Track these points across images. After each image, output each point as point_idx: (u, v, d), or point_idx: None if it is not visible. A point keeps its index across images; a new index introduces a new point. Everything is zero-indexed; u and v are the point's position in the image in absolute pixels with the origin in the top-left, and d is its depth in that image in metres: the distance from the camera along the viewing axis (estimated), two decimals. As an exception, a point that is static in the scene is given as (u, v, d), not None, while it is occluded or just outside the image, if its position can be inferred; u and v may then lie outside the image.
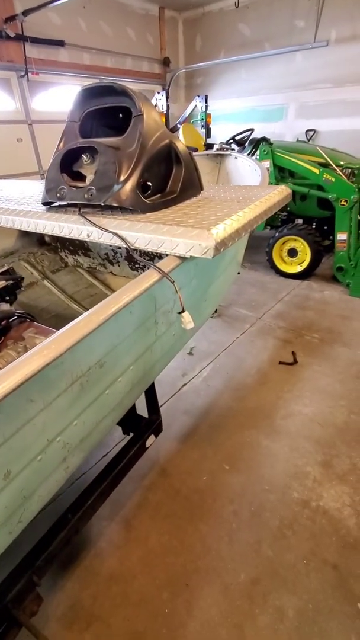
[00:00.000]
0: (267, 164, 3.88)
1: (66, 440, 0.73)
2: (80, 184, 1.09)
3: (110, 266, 2.24)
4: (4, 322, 1.05)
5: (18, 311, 1.13)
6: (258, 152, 4.06)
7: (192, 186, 1.17)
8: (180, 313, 0.82)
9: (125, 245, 0.94)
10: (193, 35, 6.51)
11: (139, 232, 0.90)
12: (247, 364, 2.79)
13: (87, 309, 2.16)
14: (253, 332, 3.19)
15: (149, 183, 1.05)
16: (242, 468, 1.95)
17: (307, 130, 5.70)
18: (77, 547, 1.59)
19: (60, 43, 4.85)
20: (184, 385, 2.58)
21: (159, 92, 5.32)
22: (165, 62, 6.52)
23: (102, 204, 1.02)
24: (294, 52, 5.21)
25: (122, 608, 1.42)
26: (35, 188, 1.84)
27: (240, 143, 4.48)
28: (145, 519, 1.72)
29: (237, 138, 4.50)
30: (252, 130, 4.51)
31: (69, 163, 1.12)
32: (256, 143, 4.12)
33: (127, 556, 1.58)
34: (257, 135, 4.41)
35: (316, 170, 3.71)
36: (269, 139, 4.06)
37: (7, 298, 1.12)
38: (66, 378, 0.65)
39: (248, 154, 4.23)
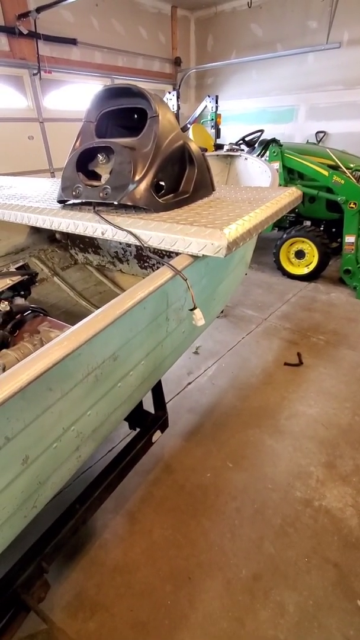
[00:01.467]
0: (276, 165, 3.89)
1: (80, 429, 0.75)
2: (95, 183, 1.12)
3: (119, 264, 2.27)
4: (18, 315, 1.08)
5: (32, 305, 1.16)
6: (267, 153, 4.06)
7: (204, 186, 1.19)
8: (192, 310, 0.84)
9: (138, 243, 0.96)
10: (205, 35, 6.52)
11: (153, 231, 0.92)
12: (252, 364, 2.81)
13: (96, 306, 2.19)
14: (259, 333, 3.20)
15: (163, 183, 1.07)
16: (245, 466, 1.97)
17: (317, 132, 5.68)
18: (83, 538, 1.62)
19: (72, 41, 4.89)
20: (190, 383, 2.61)
21: (169, 92, 5.34)
22: (177, 62, 6.54)
23: (117, 203, 1.04)
24: (306, 53, 5.20)
25: (125, 598, 1.45)
26: (47, 186, 1.87)
27: (250, 144, 4.48)
28: (149, 512, 1.75)
29: (246, 139, 4.51)
30: (262, 131, 4.52)
31: (84, 162, 1.15)
32: (266, 144, 4.13)
33: (131, 548, 1.61)
34: (266, 136, 4.41)
35: (325, 173, 3.71)
36: (279, 141, 4.07)
37: (22, 292, 1.15)
38: (82, 369, 0.68)
39: (257, 155, 4.24)
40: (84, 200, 1.11)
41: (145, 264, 2.11)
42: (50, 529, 1.05)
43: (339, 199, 3.65)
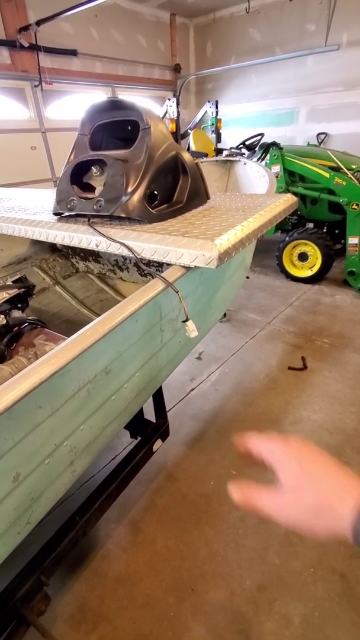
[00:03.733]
0: (277, 168, 3.88)
1: (73, 444, 0.75)
2: (89, 195, 1.12)
3: (119, 272, 2.28)
4: (15, 328, 1.09)
5: (29, 318, 1.17)
6: (268, 156, 4.06)
7: (198, 195, 1.19)
8: (184, 322, 0.84)
9: (131, 255, 0.96)
10: (204, 41, 6.57)
11: (145, 243, 0.92)
12: (255, 368, 2.79)
13: (97, 314, 2.19)
14: (262, 337, 3.18)
15: (156, 193, 1.08)
16: (249, 474, 1.94)
17: (318, 134, 5.67)
18: (85, 549, 1.61)
19: (73, 52, 4.96)
20: (192, 389, 2.60)
21: (169, 99, 5.38)
22: (176, 69, 6.59)
23: (110, 215, 1.05)
24: (305, 56, 5.20)
25: (128, 610, 1.44)
26: (46, 197, 1.89)
27: (251, 148, 4.49)
28: (152, 522, 1.74)
29: (247, 143, 4.52)
30: (262, 135, 4.52)
31: (79, 175, 1.16)
32: (266, 148, 4.13)
33: (134, 559, 1.60)
34: (267, 139, 4.42)
35: (327, 175, 3.69)
36: (279, 144, 4.07)
37: (19, 305, 1.16)
38: (73, 385, 0.68)
39: (258, 159, 4.24)
40: (78, 213, 1.11)
41: (145, 272, 2.12)
42: (50, 541, 1.04)
43: (341, 200, 3.63)
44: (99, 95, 5.71)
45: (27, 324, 1.14)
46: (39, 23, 4.22)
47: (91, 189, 1.17)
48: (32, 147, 4.90)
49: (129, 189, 1.01)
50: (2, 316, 1.02)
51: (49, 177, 5.18)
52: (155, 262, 1.01)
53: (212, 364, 2.85)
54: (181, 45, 6.55)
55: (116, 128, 1.23)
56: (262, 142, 4.46)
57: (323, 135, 5.65)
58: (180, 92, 6.49)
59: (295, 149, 4.19)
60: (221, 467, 1.99)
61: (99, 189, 1.10)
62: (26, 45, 4.36)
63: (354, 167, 3.77)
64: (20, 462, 0.61)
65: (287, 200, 1.19)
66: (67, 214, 1.16)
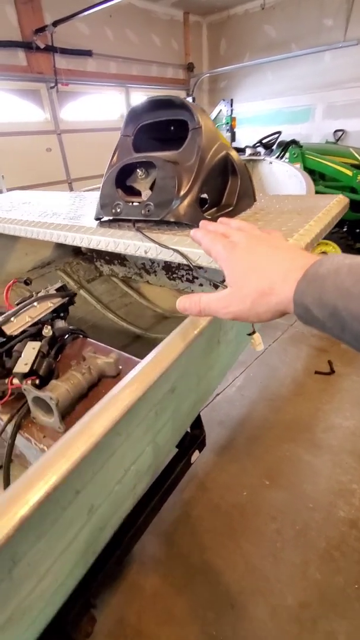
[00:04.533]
0: (297, 167, 3.80)
1: (138, 467, 0.71)
2: (136, 199, 1.08)
3: (146, 275, 2.23)
4: (60, 339, 1.05)
5: (71, 327, 1.12)
6: (287, 155, 3.98)
7: (247, 198, 1.14)
8: (250, 334, 0.78)
9: (185, 262, 0.91)
10: (217, 39, 6.49)
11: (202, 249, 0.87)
12: (281, 373, 2.72)
13: (123, 319, 2.14)
14: (285, 340, 3.11)
15: (206, 197, 1.02)
16: (283, 484, 1.89)
17: (336, 131, 5.56)
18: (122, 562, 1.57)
19: (88, 53, 4.94)
20: (218, 394, 2.54)
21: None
22: (190, 68, 6.53)
23: (159, 220, 1.00)
24: (322, 52, 5.09)
25: (167, 626, 1.40)
26: (72, 201, 1.85)
27: (267, 146, 4.41)
28: (186, 534, 1.69)
29: (264, 141, 4.44)
30: (279, 133, 4.44)
31: (122, 178, 1.11)
32: (285, 146, 4.05)
33: (170, 572, 1.55)
34: (283, 137, 4.33)
35: (349, 173, 3.60)
36: (299, 142, 3.98)
37: (62, 314, 1.11)
38: (145, 407, 0.63)
39: (276, 158, 4.16)
40: (124, 217, 1.06)
41: (174, 275, 2.07)
42: (97, 562, 1.00)
43: (364, 199, 3.54)
44: (113, 96, 5.68)
45: (69, 333, 1.09)
46: (55, 24, 4.20)
47: (136, 192, 1.12)
48: (48, 149, 4.89)
49: (181, 193, 0.96)
50: (49, 327, 0.98)
51: (64, 179, 5.16)
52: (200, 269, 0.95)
53: (236, 368, 2.79)
54: (194, 44, 6.48)
55: (156, 128, 1.18)
56: (279, 140, 4.38)
57: (340, 133, 5.54)
58: (193, 91, 6.44)
59: (315, 146, 4.10)
60: (253, 476, 1.94)
61: (145, 192, 1.05)
62: (42, 46, 4.34)
63: (376, 164, 3.67)
64: (96, 492, 0.56)
65: (340, 202, 1.13)
66: (105, 218, 1.12)
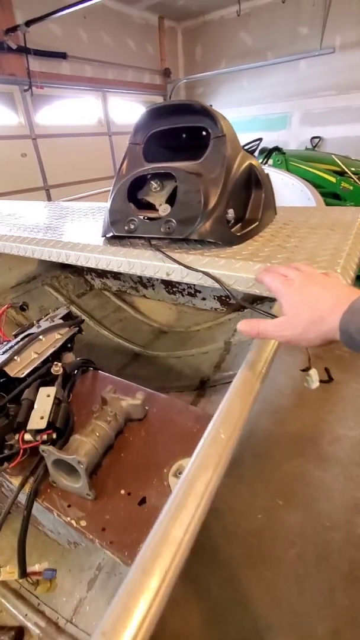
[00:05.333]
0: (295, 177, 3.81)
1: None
2: (150, 214, 0.96)
3: (143, 289, 2.11)
4: (71, 375, 0.92)
5: (80, 359, 0.99)
6: (270, 161, 3.98)
7: (269, 211, 1.05)
8: (305, 370, 0.69)
9: (217, 286, 0.81)
10: (193, 45, 6.48)
11: (240, 273, 0.77)
12: (279, 382, 2.66)
13: (119, 336, 2.00)
14: (280, 348, 3.07)
15: (232, 212, 0.93)
16: (297, 503, 1.81)
17: (313, 138, 5.66)
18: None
19: (62, 55, 4.76)
20: (219, 409, 2.45)
21: None
22: (166, 73, 6.47)
23: (182, 238, 0.89)
24: (297, 60, 5.18)
25: None
26: (67, 213, 1.71)
27: (249, 152, 4.40)
28: (202, 568, 1.57)
29: (245, 148, 4.43)
30: (260, 139, 4.45)
31: (133, 190, 0.99)
32: (268, 152, 4.05)
33: (191, 613, 1.43)
34: (265, 144, 4.34)
35: (333, 179, 3.64)
36: (282, 148, 3.99)
37: (69, 345, 0.98)
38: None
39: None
40: (140, 235, 0.95)
41: (174, 289, 1.96)
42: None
43: (347, 204, 3.58)
44: (90, 100, 5.52)
45: (79, 368, 0.96)
46: (28, 24, 4.00)
47: (147, 205, 1.00)
48: (23, 154, 4.65)
49: (208, 208, 0.86)
50: (60, 365, 0.85)
51: (41, 186, 4.93)
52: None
53: (235, 379, 2.71)
54: (170, 49, 6.43)
55: (168, 136, 1.07)
56: (261, 147, 4.38)
57: (317, 139, 5.65)
58: (170, 97, 6.38)
59: (298, 153, 4.14)
60: (266, 497, 1.85)
61: (162, 207, 0.94)
62: (14, 47, 4.13)
63: (353, 170, 3.73)
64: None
65: (366, 214, 1.07)
66: (110, 234, 1.00)
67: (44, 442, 0.69)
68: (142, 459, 0.73)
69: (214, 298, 1.83)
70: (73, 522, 0.63)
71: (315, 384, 0.70)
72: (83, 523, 0.63)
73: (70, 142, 5.18)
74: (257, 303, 1.09)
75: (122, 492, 0.67)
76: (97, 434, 0.69)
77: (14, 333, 0.99)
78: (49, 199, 5.01)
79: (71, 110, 5.25)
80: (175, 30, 6.52)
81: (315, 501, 1.82)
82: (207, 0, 5.49)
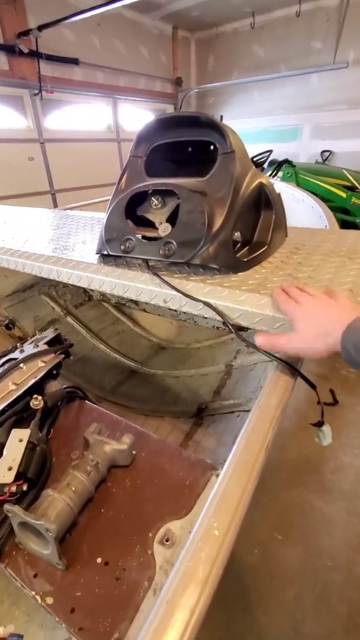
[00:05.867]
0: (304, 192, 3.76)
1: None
2: (148, 232, 0.89)
3: (143, 303, 2.02)
4: (54, 408, 0.83)
5: (67, 388, 0.90)
6: (280, 174, 3.92)
7: (280, 233, 0.97)
8: (318, 425, 0.60)
9: (218, 319, 0.73)
10: (206, 55, 6.49)
11: (245, 306, 0.69)
12: (282, 403, 2.56)
13: (115, 350, 1.91)
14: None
15: (239, 234, 0.85)
16: (296, 538, 1.70)
17: (323, 151, 5.61)
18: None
19: (74, 61, 4.76)
20: (217, 429, 2.34)
21: None
22: (178, 82, 6.48)
23: (184, 262, 0.81)
24: (309, 73, 5.16)
25: None
26: (63, 223, 1.64)
27: (258, 165, 4.35)
28: (192, 608, 1.46)
29: (254, 159, 4.38)
30: (270, 151, 4.40)
31: (132, 206, 0.92)
32: (278, 165, 4.00)
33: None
34: (275, 156, 4.29)
35: (343, 194, 3.57)
36: (292, 161, 3.94)
37: (55, 372, 0.89)
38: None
39: (269, 177, 4.10)
40: (137, 256, 0.87)
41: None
42: None
43: (357, 220, 3.51)
44: (100, 107, 5.51)
45: (64, 399, 0.87)
46: (40, 28, 4.00)
47: (146, 223, 0.92)
48: (30, 158, 4.63)
49: (212, 230, 0.78)
50: (40, 398, 0.76)
51: (47, 190, 4.90)
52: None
53: (235, 398, 2.61)
54: (183, 59, 6.45)
55: (172, 149, 1.00)
56: (271, 159, 4.34)
57: (327, 153, 5.60)
58: (181, 106, 6.38)
59: (308, 166, 4.08)
60: (263, 529, 1.74)
61: (162, 226, 0.86)
62: (26, 51, 4.13)
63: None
64: None
65: (384, 241, 0.98)
66: (104, 252, 0.92)
67: (12, 495, 0.60)
68: (125, 518, 0.63)
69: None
70: (38, 597, 0.54)
71: (327, 440, 0.61)
72: (49, 600, 0.54)
73: (78, 147, 5.16)
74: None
75: (99, 560, 0.58)
76: (74, 489, 0.60)
77: (-5, 355, 0.91)
78: (55, 203, 4.98)
79: (81, 115, 5.25)
80: (188, 40, 6.54)
81: (316, 536, 1.71)
82: (222, 12, 5.50)
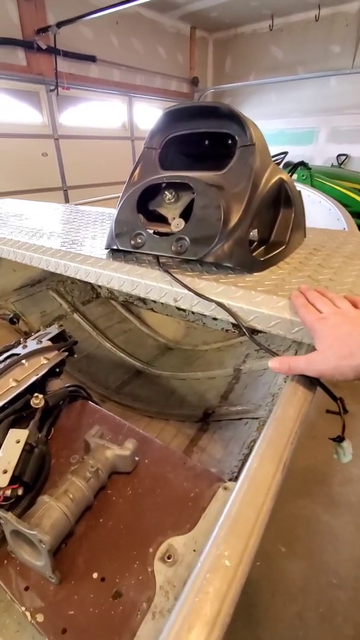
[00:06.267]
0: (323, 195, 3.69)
1: None
2: (160, 228, 0.85)
3: (152, 302, 1.98)
4: (56, 407, 0.79)
5: (70, 387, 0.87)
6: (295, 176, 3.86)
7: (299, 233, 0.92)
8: (338, 441, 0.56)
9: (232, 320, 0.68)
10: (223, 56, 6.46)
11: (261, 308, 0.64)
12: (289, 410, 2.50)
13: (122, 349, 1.88)
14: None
15: (256, 232, 0.80)
16: (301, 551, 1.64)
17: (339, 155, 5.53)
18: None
19: (92, 58, 4.76)
20: (222, 434, 2.29)
21: None
22: (194, 82, 6.45)
23: (196, 259, 0.77)
24: (327, 76, 5.08)
25: None
26: (75, 218, 1.61)
27: (273, 165, 4.29)
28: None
29: (270, 160, 4.32)
30: (286, 153, 4.34)
31: (144, 200, 0.88)
32: (293, 167, 3.93)
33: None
34: (290, 158, 4.23)
35: (359, 198, 3.49)
36: (307, 163, 3.87)
37: (58, 370, 0.86)
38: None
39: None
40: (147, 252, 0.83)
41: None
42: None
43: (373, 226, 3.42)
44: (115, 105, 5.51)
45: (66, 398, 0.84)
46: (59, 25, 4.01)
47: (159, 218, 0.88)
48: (44, 154, 4.64)
49: (228, 227, 0.73)
50: (41, 397, 0.72)
51: (59, 186, 4.91)
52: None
53: (241, 403, 2.55)
54: (200, 59, 6.42)
55: (188, 142, 0.96)
56: (286, 160, 4.27)
57: (344, 157, 5.51)
58: (196, 106, 6.33)
59: (324, 170, 4.01)
60: (267, 541, 1.68)
61: (175, 221, 0.82)
62: (44, 47, 4.14)
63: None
64: None
65: None
66: (114, 247, 0.88)
67: (6, 499, 0.56)
68: (125, 530, 0.59)
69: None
70: (28, 614, 0.50)
71: (347, 457, 0.56)
72: (40, 618, 0.50)
73: (92, 144, 5.16)
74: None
75: (95, 575, 0.53)
76: (71, 497, 0.56)
77: (-3, 350, 0.88)
78: (67, 199, 4.98)
79: (96, 112, 5.25)
80: (206, 40, 6.52)
81: (322, 551, 1.65)
82: (241, 13, 5.46)
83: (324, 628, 1.40)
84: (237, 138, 0.81)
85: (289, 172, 3.96)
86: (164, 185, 0.86)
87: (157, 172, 0.89)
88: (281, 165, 4.23)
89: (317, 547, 1.66)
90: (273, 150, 4.33)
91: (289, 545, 1.66)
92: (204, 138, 0.96)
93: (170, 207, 0.86)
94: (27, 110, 4.51)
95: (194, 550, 0.53)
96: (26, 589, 0.53)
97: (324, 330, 0.56)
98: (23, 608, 0.51)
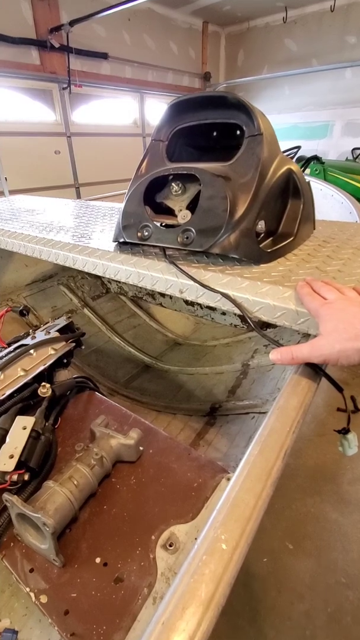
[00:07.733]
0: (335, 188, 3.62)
1: None
2: (167, 220, 0.84)
3: (160, 297, 1.99)
4: (62, 397, 0.80)
5: (78, 378, 0.88)
6: (308, 170, 3.79)
7: (307, 225, 0.91)
8: (343, 433, 0.55)
9: (237, 312, 0.68)
10: (235, 50, 6.38)
11: (266, 299, 0.63)
12: (299, 408, 2.47)
13: (130, 344, 1.88)
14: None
15: (263, 223, 0.79)
16: (309, 549, 1.63)
17: (354, 149, 5.40)
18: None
19: (103, 55, 4.78)
20: (231, 431, 2.28)
21: None
22: (206, 77, 6.40)
23: (202, 251, 0.76)
24: (343, 68, 4.96)
25: None
26: (82, 211, 1.62)
27: (286, 160, 4.23)
28: (196, 612, 1.42)
29: (282, 155, 4.26)
30: (299, 147, 4.26)
31: (151, 192, 0.88)
32: (306, 161, 3.87)
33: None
34: (303, 152, 4.15)
35: (374, 193, 3.40)
36: (321, 157, 3.80)
37: (65, 360, 0.87)
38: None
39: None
40: (154, 244, 0.83)
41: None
42: None
43: (388, 221, 3.34)
44: (127, 101, 5.52)
45: (75, 387, 0.85)
46: (72, 23, 4.03)
47: (166, 210, 0.88)
48: (56, 152, 4.69)
49: (234, 218, 0.73)
50: (48, 386, 0.73)
51: (71, 183, 4.96)
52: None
53: (251, 399, 2.54)
54: (212, 54, 6.36)
55: (196, 133, 0.95)
56: (299, 155, 4.20)
57: (359, 151, 5.38)
58: (208, 101, 6.28)
59: (338, 164, 3.92)
60: (274, 537, 1.67)
61: (182, 213, 0.82)
62: (57, 45, 4.17)
63: None
64: None
65: None
66: (121, 240, 0.88)
67: (13, 484, 0.58)
68: (128, 517, 0.60)
69: (235, 314, 1.69)
70: (32, 595, 0.51)
71: (353, 450, 0.55)
72: (44, 599, 0.51)
73: (103, 142, 5.19)
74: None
75: (98, 560, 0.54)
76: (76, 483, 0.57)
77: (7, 342, 0.90)
78: (79, 197, 5.03)
79: (107, 109, 5.27)
80: (218, 34, 6.45)
81: (330, 549, 1.63)
82: (254, 6, 5.38)
83: (331, 627, 1.38)
84: (244, 128, 0.80)
85: (301, 167, 3.90)
86: (170, 177, 0.86)
87: (164, 164, 0.88)
88: (294, 160, 4.16)
89: (325, 545, 1.64)
90: (286, 144, 4.28)
91: (297, 542, 1.65)
92: (212, 129, 0.95)
93: (177, 199, 0.86)
94: (40, 109, 4.56)
95: (196, 539, 0.53)
96: (31, 570, 0.54)
97: (329, 314, 0.55)
98: (28, 589, 0.52)
